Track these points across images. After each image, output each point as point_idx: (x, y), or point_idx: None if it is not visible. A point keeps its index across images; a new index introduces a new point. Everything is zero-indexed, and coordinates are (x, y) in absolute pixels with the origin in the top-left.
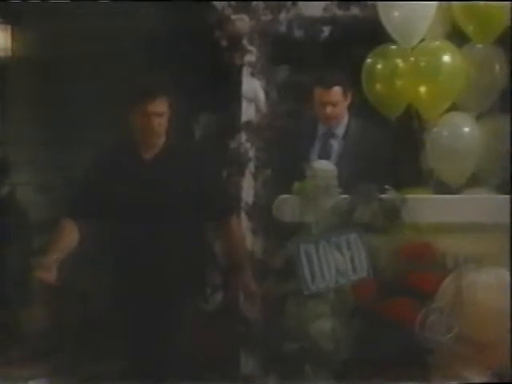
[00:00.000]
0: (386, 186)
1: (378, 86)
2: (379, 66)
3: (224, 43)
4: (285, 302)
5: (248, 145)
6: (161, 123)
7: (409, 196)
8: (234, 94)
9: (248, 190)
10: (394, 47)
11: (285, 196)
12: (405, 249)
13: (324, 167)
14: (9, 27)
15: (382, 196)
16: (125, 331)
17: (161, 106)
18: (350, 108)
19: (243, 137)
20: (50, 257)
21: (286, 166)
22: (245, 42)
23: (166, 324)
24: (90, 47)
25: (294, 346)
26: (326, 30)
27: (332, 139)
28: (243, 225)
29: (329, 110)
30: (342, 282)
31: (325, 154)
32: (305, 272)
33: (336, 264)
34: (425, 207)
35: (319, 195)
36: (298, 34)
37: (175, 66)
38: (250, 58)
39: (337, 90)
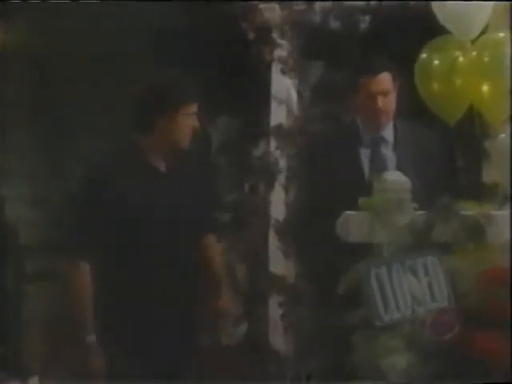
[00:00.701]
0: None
1: (435, 85)
2: (436, 62)
3: (251, 36)
4: (349, 334)
5: (278, 153)
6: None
7: (495, 213)
8: (261, 94)
9: (278, 205)
10: (452, 39)
11: (350, 213)
12: (491, 273)
13: (396, 179)
14: None
15: (464, 212)
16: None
17: (194, 108)
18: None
19: (272, 143)
20: None
21: (324, 177)
22: (275, 34)
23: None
24: (96, 43)
25: None
26: (366, 21)
27: (383, 146)
28: (273, 244)
29: (380, 101)
30: (418, 311)
31: (379, 164)
32: (376, 300)
33: (412, 291)
34: None
35: (391, 211)
36: (334, 25)
37: (194, 60)
38: (280, 52)
39: (386, 76)
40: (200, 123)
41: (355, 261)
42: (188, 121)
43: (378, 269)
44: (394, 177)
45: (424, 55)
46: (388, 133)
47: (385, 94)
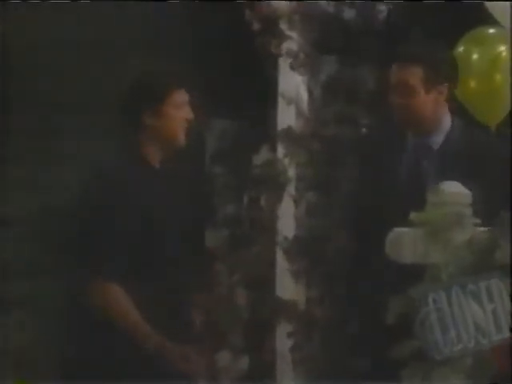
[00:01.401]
0: None
1: (473, 83)
2: (475, 57)
3: (256, 27)
4: (400, 367)
5: (287, 160)
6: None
7: None
8: (267, 93)
9: (287, 220)
10: (494, 32)
11: (401, 230)
12: None
13: (455, 191)
14: None
15: None
16: None
17: (184, 97)
18: (452, 108)
19: (280, 150)
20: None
21: (340, 187)
22: (283, 25)
23: None
24: (87, 32)
25: None
26: (385, 10)
27: (425, 154)
28: (280, 265)
29: (397, 98)
30: (482, 342)
31: (417, 174)
32: (435, 329)
33: (474, 319)
34: None
35: (449, 228)
36: (349, 15)
37: (190, 55)
38: (289, 45)
39: (415, 70)
40: (197, 116)
41: (407, 284)
42: (179, 113)
43: (435, 293)
44: (453, 188)
45: (461, 49)
46: (435, 139)
47: (406, 90)
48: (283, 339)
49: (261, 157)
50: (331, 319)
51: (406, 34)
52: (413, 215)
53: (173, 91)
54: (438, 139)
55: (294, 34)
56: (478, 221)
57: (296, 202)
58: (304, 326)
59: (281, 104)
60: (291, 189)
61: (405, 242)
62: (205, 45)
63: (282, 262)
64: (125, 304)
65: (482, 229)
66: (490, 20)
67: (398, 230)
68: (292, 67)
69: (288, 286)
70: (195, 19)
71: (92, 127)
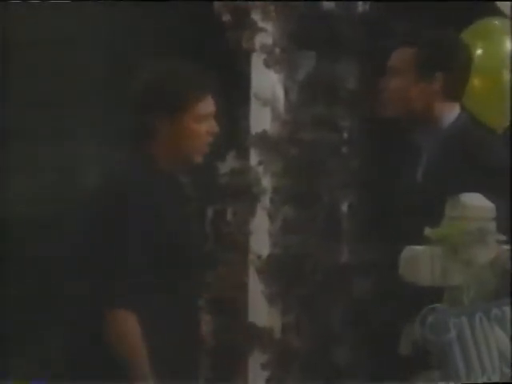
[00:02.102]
0: None
1: (477, 82)
2: (479, 52)
3: (226, 18)
4: None
5: (260, 168)
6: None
7: None
8: (238, 93)
9: (260, 236)
10: (497, 23)
11: (415, 248)
12: None
13: (477, 204)
14: None
15: None
16: None
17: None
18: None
19: (253, 157)
20: None
21: (321, 199)
22: (256, 16)
23: None
24: (87, 32)
25: None
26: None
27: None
28: (253, 287)
29: (384, 81)
30: (508, 372)
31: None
32: (456, 358)
33: (499, 347)
34: None
35: (471, 246)
36: (329, 6)
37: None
38: (263, 39)
39: (404, 51)
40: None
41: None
42: (202, 126)
43: (456, 319)
44: (474, 200)
45: None
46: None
47: (397, 73)
48: (257, 371)
49: (228, 164)
50: (311, 348)
51: (389, 26)
52: (428, 231)
53: (197, 101)
54: (435, 138)
55: (268, 26)
56: (503, 237)
57: (271, 216)
58: (280, 355)
59: (254, 105)
60: (265, 201)
61: (421, 262)
62: (168, 40)
63: (254, 284)
64: (137, 336)
65: (507, 246)
66: (495, 11)
67: (412, 247)
68: (266, 64)
69: (262, 311)
70: (157, 12)
71: (92, 127)
